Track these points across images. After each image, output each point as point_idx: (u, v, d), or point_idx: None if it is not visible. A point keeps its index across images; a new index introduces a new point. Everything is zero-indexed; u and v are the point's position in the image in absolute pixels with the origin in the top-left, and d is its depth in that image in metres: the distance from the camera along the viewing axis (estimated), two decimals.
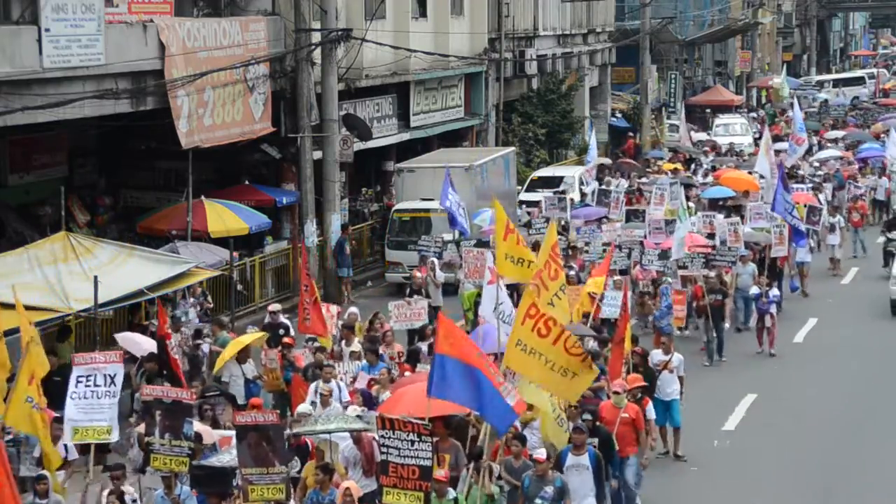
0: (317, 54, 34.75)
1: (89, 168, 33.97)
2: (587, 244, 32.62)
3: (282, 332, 25.52)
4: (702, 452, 23.09)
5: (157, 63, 29.60)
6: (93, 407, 17.78)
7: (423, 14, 43.65)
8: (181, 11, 31.72)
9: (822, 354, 30.38)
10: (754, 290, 30.40)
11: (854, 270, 38.94)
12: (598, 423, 19.10)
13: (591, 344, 23.43)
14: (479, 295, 28.34)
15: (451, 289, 31.19)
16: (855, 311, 34.12)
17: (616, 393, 19.95)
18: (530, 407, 18.66)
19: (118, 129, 31.11)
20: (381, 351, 23.32)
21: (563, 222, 37.45)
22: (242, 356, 23.14)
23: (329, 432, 17.97)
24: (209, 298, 29.08)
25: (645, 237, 33.99)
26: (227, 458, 17.31)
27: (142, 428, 19.44)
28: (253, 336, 24.05)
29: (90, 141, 33.33)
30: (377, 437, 16.69)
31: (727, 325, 30.06)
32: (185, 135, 30.44)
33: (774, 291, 30.36)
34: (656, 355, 23.49)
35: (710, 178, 47.94)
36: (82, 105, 27.42)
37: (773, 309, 29.78)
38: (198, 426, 18.01)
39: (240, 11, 34.01)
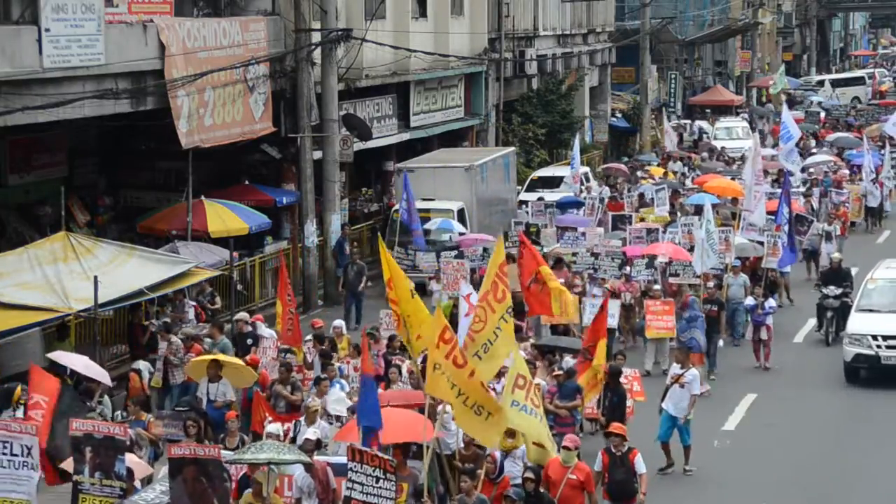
0: (317, 54, 34.75)
1: (89, 168, 33.96)
2: (574, 255, 31.61)
3: (249, 342, 24.82)
4: (702, 452, 23.08)
5: (157, 63, 29.59)
6: (11, 478, 16.37)
7: (423, 14, 43.64)
8: (181, 11, 31.72)
9: (821, 354, 30.35)
10: (749, 301, 29.40)
11: (854, 270, 38.81)
12: (541, 490, 17.04)
13: (570, 361, 22.89)
14: (455, 306, 28.24)
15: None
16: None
17: (566, 448, 17.52)
18: (511, 434, 17.76)
19: (118, 129, 31.12)
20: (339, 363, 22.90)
21: (543, 227, 37.20)
22: (213, 374, 21.77)
23: (258, 463, 16.34)
24: (217, 299, 29.02)
25: (626, 244, 33.46)
26: (151, 495, 16.08)
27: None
28: (226, 357, 22.68)
29: (90, 141, 33.32)
30: (348, 470, 15.65)
31: (721, 341, 28.99)
32: (185, 135, 30.44)
33: (770, 302, 29.25)
34: (673, 368, 22.70)
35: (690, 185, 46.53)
36: (82, 105, 27.41)
37: (770, 321, 28.75)
38: (129, 460, 16.81)
39: (240, 11, 34.01)
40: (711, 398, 26.32)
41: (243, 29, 32.74)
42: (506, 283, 17.67)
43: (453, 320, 27.15)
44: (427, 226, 35.00)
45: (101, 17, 27.20)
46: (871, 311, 28.10)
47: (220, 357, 22.39)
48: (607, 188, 44.99)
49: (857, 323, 27.92)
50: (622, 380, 22.02)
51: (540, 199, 40.19)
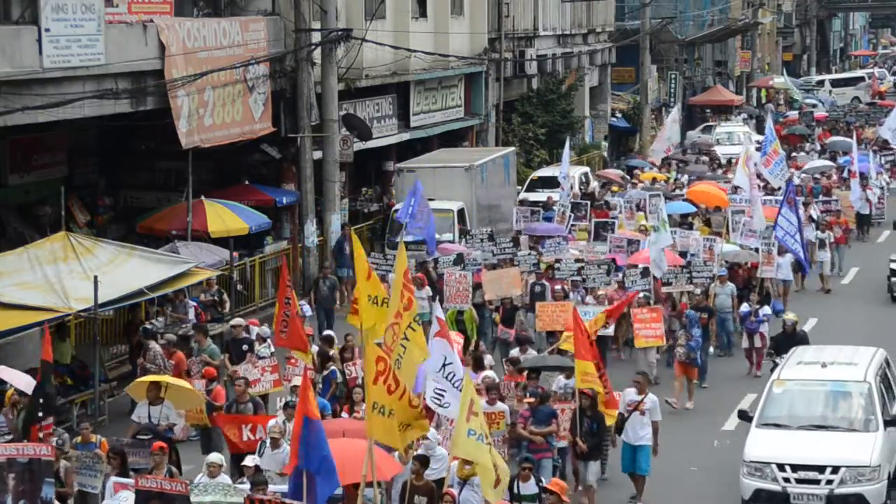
0: (317, 54, 34.76)
1: (89, 168, 33.98)
2: (558, 262, 30.59)
3: (245, 347, 24.42)
4: (702, 452, 23.08)
5: (157, 63, 29.60)
6: None
7: (423, 14, 43.64)
8: (181, 11, 31.73)
9: None
10: (744, 307, 28.64)
11: (854, 270, 38.90)
12: None
13: (562, 381, 22.05)
14: (460, 313, 27.90)
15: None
16: (856, 312, 34.06)
17: None
18: (469, 461, 17.12)
19: (118, 129, 31.12)
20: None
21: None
22: (153, 396, 20.73)
23: None
24: (225, 296, 29.00)
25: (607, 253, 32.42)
26: None
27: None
28: (169, 378, 21.68)
29: (90, 141, 33.34)
30: None
31: (711, 348, 28.44)
32: (185, 135, 30.45)
33: (765, 310, 28.50)
34: (629, 395, 20.98)
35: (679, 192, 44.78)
36: (82, 105, 27.42)
37: (764, 328, 28.09)
38: None
39: (240, 11, 34.03)
40: (711, 398, 26.34)
41: (243, 29, 32.75)
42: (411, 290, 17.00)
43: (460, 328, 27.28)
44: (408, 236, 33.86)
45: (101, 17, 27.21)
46: (776, 426, 20.48)
47: (163, 378, 21.45)
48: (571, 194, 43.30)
49: (757, 445, 20.24)
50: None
51: (522, 202, 39.24)
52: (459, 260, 30.29)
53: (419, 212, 31.17)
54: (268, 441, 18.74)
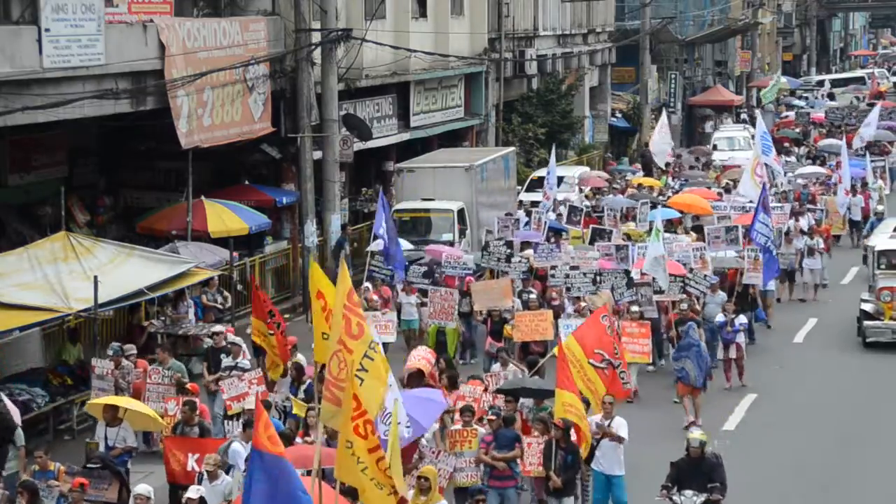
0: (317, 54, 34.75)
1: (89, 168, 33.97)
2: (553, 268, 29.85)
3: (223, 356, 23.82)
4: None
5: (157, 63, 29.60)
6: None
7: (423, 14, 43.65)
8: (181, 11, 31.73)
9: (821, 355, 30.37)
10: (720, 317, 27.42)
11: (854, 271, 38.89)
12: None
13: (528, 403, 21.18)
14: (441, 332, 27.74)
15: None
16: (854, 312, 34.02)
17: None
18: (425, 490, 16.52)
19: (118, 129, 31.12)
20: None
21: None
22: (110, 417, 19.90)
23: None
24: (225, 295, 28.93)
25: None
26: None
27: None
28: (126, 400, 20.89)
29: (90, 141, 33.33)
30: None
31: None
32: (185, 135, 30.46)
33: (741, 319, 27.32)
34: (595, 418, 19.83)
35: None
36: (82, 105, 27.41)
37: (741, 338, 27.11)
38: None
39: (240, 11, 34.02)
40: (711, 398, 26.30)
41: (243, 29, 32.75)
42: (359, 314, 15.26)
43: (439, 346, 27.20)
44: (372, 247, 31.24)
45: (101, 17, 27.20)
46: None
47: (119, 401, 20.64)
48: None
49: None
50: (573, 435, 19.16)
51: (508, 214, 38.76)
52: (429, 273, 29.63)
53: (391, 239, 30.35)
54: (205, 473, 17.90)
